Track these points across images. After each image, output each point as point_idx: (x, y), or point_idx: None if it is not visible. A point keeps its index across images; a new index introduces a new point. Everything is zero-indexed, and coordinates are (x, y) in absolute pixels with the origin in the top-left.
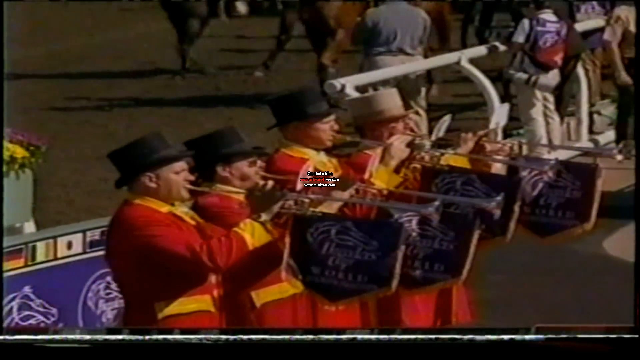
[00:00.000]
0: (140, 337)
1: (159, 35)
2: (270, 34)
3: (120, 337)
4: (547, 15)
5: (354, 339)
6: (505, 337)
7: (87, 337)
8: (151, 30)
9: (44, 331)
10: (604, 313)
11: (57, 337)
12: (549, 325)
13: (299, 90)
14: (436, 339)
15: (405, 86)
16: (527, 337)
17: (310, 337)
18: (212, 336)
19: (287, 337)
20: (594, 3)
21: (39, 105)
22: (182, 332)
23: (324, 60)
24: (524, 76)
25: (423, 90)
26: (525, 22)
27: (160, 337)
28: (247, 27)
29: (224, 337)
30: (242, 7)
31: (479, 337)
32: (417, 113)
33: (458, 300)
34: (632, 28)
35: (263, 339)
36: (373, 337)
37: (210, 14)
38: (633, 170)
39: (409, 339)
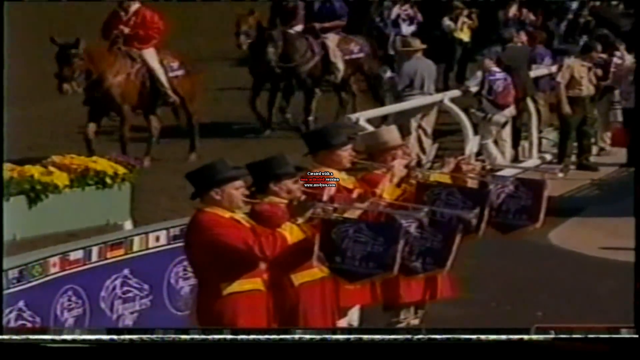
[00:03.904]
0: (139, 337)
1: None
2: None
3: (120, 337)
4: (494, 67)
5: (356, 338)
6: (506, 337)
7: (87, 337)
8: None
9: (44, 331)
10: (547, 285)
11: (57, 337)
12: (549, 325)
13: (325, 127)
14: (436, 339)
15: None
16: (527, 337)
17: (312, 337)
18: (215, 336)
19: (291, 336)
20: (545, 57)
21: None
22: (183, 332)
23: (125, 137)
24: (481, 114)
25: (432, 121)
26: (479, 73)
27: (160, 337)
28: None
29: (227, 337)
30: None
31: (479, 337)
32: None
33: (442, 279)
34: (576, 74)
35: (268, 338)
36: (374, 337)
37: None
38: (570, 180)
39: (409, 339)
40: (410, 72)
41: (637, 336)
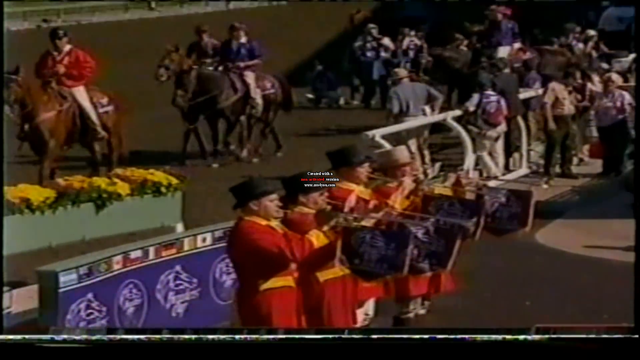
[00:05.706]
0: (138, 337)
1: None
2: None
3: (119, 337)
4: (489, 91)
5: (357, 338)
6: (505, 337)
7: (87, 337)
8: None
9: (44, 331)
10: (535, 279)
11: (57, 337)
12: (549, 325)
13: (347, 147)
14: (436, 339)
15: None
16: (527, 337)
17: (313, 337)
18: (212, 336)
19: (293, 336)
20: (536, 81)
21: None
22: (178, 332)
23: (44, 171)
24: (476, 130)
25: (427, 136)
26: (475, 96)
27: (159, 337)
28: None
29: (226, 337)
30: None
31: (479, 337)
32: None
33: (445, 276)
34: (559, 95)
35: (270, 339)
36: (375, 336)
37: None
38: (554, 187)
39: (409, 339)
40: (394, 98)
41: (637, 336)
